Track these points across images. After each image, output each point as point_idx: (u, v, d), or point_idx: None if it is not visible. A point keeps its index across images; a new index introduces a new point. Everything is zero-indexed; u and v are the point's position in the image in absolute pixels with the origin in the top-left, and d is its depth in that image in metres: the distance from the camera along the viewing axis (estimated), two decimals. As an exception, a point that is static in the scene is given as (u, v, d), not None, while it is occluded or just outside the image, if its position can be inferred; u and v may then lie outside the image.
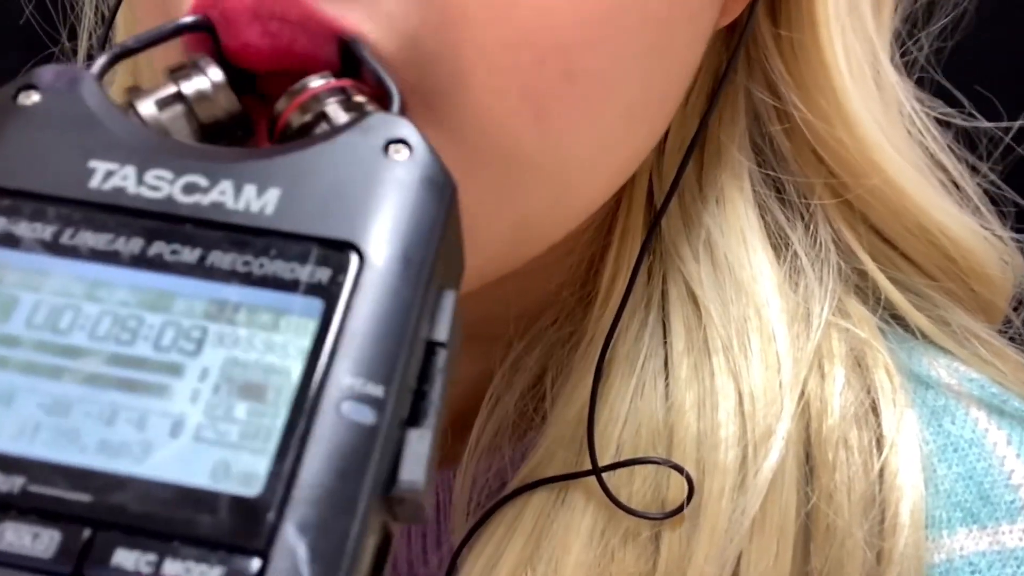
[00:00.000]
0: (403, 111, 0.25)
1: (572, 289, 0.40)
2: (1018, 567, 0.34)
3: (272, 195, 0.22)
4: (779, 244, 0.38)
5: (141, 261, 0.21)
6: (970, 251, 0.39)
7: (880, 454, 0.35)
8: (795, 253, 0.38)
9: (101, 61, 0.25)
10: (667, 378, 0.36)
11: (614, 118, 0.32)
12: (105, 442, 0.19)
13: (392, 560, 0.42)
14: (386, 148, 0.22)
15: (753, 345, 0.36)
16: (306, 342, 0.20)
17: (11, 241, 0.21)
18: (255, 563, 0.18)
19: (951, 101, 0.41)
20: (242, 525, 0.18)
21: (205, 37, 0.27)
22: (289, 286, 0.21)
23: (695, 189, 0.39)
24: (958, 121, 0.40)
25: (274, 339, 0.20)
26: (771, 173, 0.39)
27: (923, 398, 0.37)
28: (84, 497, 0.18)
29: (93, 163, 0.22)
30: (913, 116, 0.39)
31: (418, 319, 0.21)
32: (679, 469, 0.35)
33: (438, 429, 0.21)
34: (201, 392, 0.20)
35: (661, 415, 0.36)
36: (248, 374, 0.20)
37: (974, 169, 0.41)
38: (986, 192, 0.41)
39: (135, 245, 0.21)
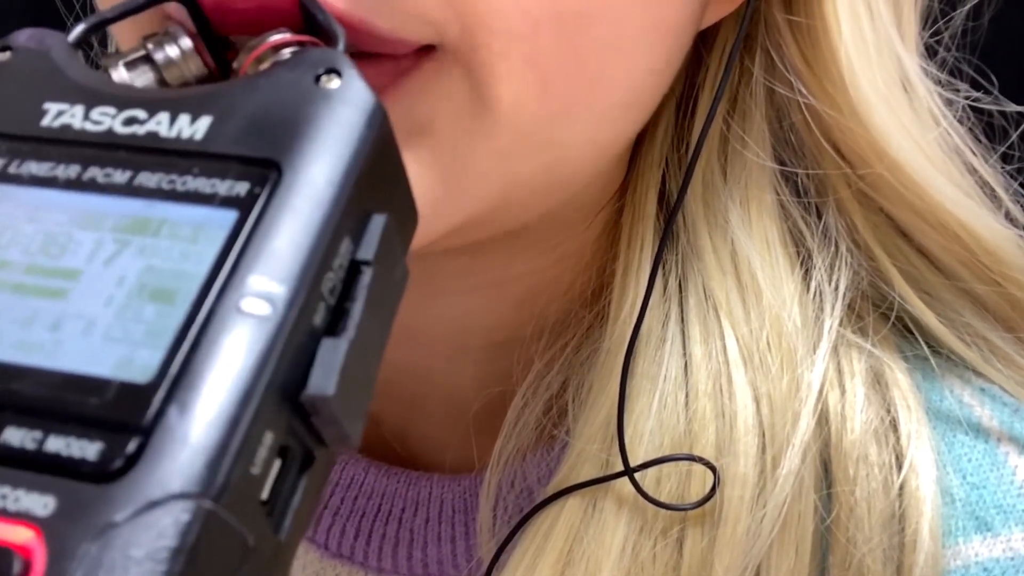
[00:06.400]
0: (346, 52, 0.25)
1: (584, 301, 0.40)
2: None
3: (204, 122, 0.22)
4: (797, 248, 0.38)
5: (76, 184, 0.22)
6: (995, 251, 0.38)
7: (900, 471, 0.35)
8: (811, 257, 0.38)
9: (78, 29, 0.26)
10: (687, 389, 0.36)
11: (617, 93, 0.32)
12: (21, 342, 0.20)
13: (423, 558, 0.42)
14: (318, 79, 0.23)
15: (772, 355, 0.36)
16: (216, 249, 0.20)
17: None
18: (135, 440, 0.18)
19: (977, 85, 0.39)
20: (127, 407, 0.19)
21: (180, 7, 0.28)
22: (208, 200, 0.21)
23: (720, 190, 0.38)
24: (989, 106, 0.39)
25: (190, 249, 0.21)
26: (790, 170, 0.38)
27: (937, 411, 0.37)
28: None
29: (47, 105, 0.23)
30: (940, 116, 0.38)
31: (334, 232, 0.21)
32: (707, 464, 0.35)
33: (362, 344, 0.21)
34: (115, 297, 0.20)
35: (683, 427, 0.36)
36: (160, 280, 0.20)
37: (1004, 159, 0.39)
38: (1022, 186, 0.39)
39: (72, 171, 0.22)
